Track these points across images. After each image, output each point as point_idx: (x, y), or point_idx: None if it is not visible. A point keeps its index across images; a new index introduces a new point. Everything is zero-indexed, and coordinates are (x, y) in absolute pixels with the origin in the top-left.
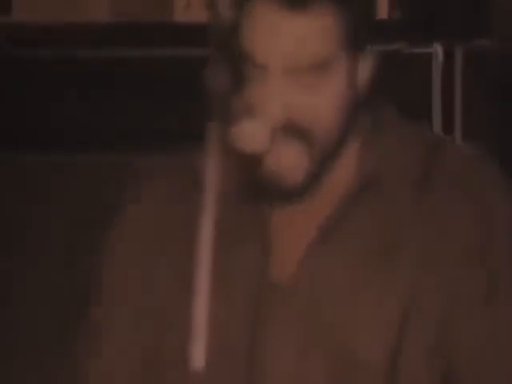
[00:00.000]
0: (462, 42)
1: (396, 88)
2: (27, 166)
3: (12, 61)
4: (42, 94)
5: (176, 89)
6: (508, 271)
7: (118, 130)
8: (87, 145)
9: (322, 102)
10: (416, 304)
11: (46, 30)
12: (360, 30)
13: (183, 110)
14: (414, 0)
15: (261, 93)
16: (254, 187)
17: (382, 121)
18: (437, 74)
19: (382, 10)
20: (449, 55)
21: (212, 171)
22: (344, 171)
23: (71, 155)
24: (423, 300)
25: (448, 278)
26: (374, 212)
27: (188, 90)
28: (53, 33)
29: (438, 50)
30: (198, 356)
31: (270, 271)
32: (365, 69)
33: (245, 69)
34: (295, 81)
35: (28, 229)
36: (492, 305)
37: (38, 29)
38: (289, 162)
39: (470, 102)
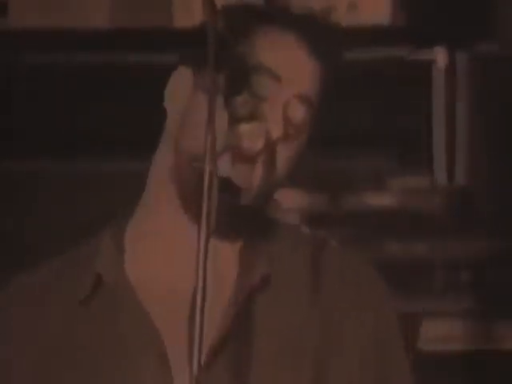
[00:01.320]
0: (465, 46)
1: (399, 93)
2: (28, 171)
3: (8, 65)
4: (40, 100)
5: None
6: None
7: (116, 136)
8: (86, 151)
9: (295, 142)
10: None
11: (42, 36)
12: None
13: None
14: (417, 6)
15: (270, 101)
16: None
17: (265, 217)
18: (439, 78)
19: (385, 16)
20: (451, 60)
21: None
22: (230, 264)
23: (71, 161)
24: None
25: (345, 377)
26: (268, 313)
27: None
28: (51, 38)
29: (440, 55)
30: None
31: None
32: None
33: (250, 75)
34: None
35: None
36: None
37: (34, 34)
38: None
39: (472, 105)
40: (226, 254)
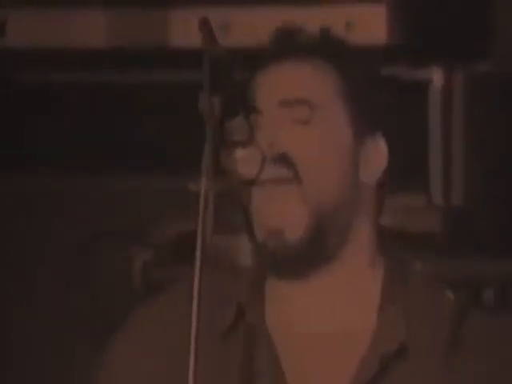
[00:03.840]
0: (462, 65)
1: (395, 113)
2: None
3: (6, 84)
4: (38, 118)
5: (173, 112)
6: None
7: (115, 154)
8: (86, 168)
9: (314, 143)
10: None
11: (41, 55)
12: (364, 88)
13: (181, 134)
14: (414, 26)
15: (253, 123)
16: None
17: (408, 270)
18: (435, 98)
19: (379, 34)
20: (448, 79)
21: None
22: (366, 316)
23: (68, 178)
24: None
25: None
26: (405, 380)
27: (185, 114)
28: (48, 57)
29: (437, 74)
30: None
31: None
32: (375, 155)
33: (238, 99)
34: (287, 115)
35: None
36: None
37: (32, 53)
38: (284, 210)
39: (469, 125)
40: (363, 308)
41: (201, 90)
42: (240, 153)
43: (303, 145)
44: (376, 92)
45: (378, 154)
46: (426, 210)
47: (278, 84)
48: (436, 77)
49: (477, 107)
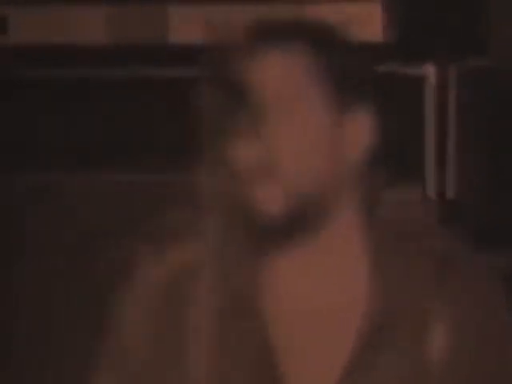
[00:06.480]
0: (456, 61)
1: (389, 109)
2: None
3: (8, 81)
4: (38, 115)
5: (172, 109)
6: None
7: (114, 150)
8: (85, 164)
9: (293, 134)
10: None
11: (42, 51)
12: (347, 75)
13: (180, 130)
14: (409, 22)
15: (258, 117)
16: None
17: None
18: (430, 94)
19: (375, 31)
20: (442, 75)
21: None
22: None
23: (69, 174)
24: None
25: None
26: (395, 358)
27: (185, 110)
28: (49, 54)
29: (430, 70)
30: None
31: None
32: (360, 131)
33: (240, 93)
34: (279, 108)
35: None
36: None
37: (34, 50)
38: (261, 194)
39: (464, 121)
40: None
41: (200, 85)
42: (240, 147)
43: (285, 139)
44: (352, 67)
45: (358, 129)
46: (420, 204)
47: (272, 82)
48: (431, 73)
49: (471, 103)
